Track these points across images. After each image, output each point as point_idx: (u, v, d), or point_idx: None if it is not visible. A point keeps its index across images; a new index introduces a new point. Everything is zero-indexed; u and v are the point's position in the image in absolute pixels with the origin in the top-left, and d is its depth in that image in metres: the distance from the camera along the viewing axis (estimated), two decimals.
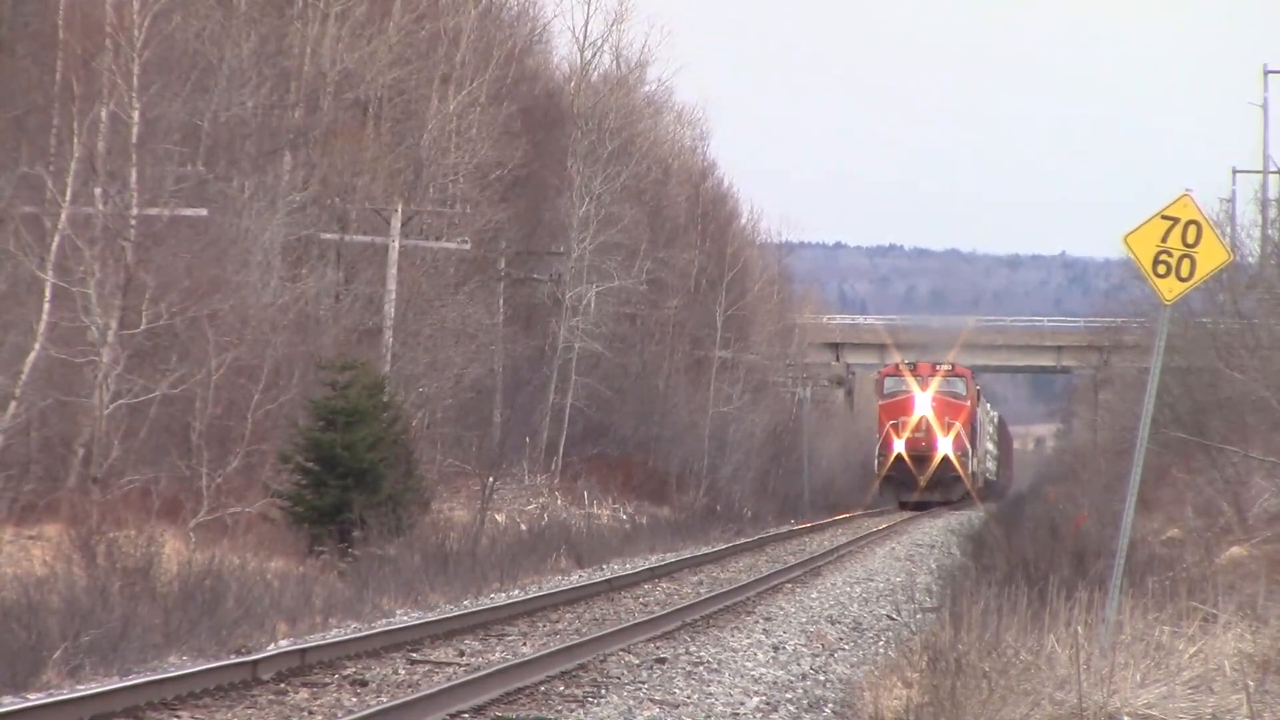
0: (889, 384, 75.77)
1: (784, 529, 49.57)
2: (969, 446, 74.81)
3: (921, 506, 71.25)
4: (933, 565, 34.96)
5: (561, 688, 16.92)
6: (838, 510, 67.46)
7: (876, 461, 75.73)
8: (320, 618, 22.57)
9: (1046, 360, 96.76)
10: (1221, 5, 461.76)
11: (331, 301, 42.40)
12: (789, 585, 29.84)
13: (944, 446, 73.36)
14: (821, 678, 18.39)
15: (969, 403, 75.53)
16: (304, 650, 18.18)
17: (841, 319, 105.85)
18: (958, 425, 73.84)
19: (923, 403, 73.76)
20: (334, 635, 20.78)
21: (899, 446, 73.30)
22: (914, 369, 75.12)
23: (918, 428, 73.50)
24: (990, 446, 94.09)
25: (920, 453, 73.35)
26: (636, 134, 61.74)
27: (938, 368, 75.11)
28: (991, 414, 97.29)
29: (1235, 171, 56.63)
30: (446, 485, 41.30)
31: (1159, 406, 22.06)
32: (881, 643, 21.59)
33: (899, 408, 74.21)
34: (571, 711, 15.62)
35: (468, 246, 45.80)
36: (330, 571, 27.75)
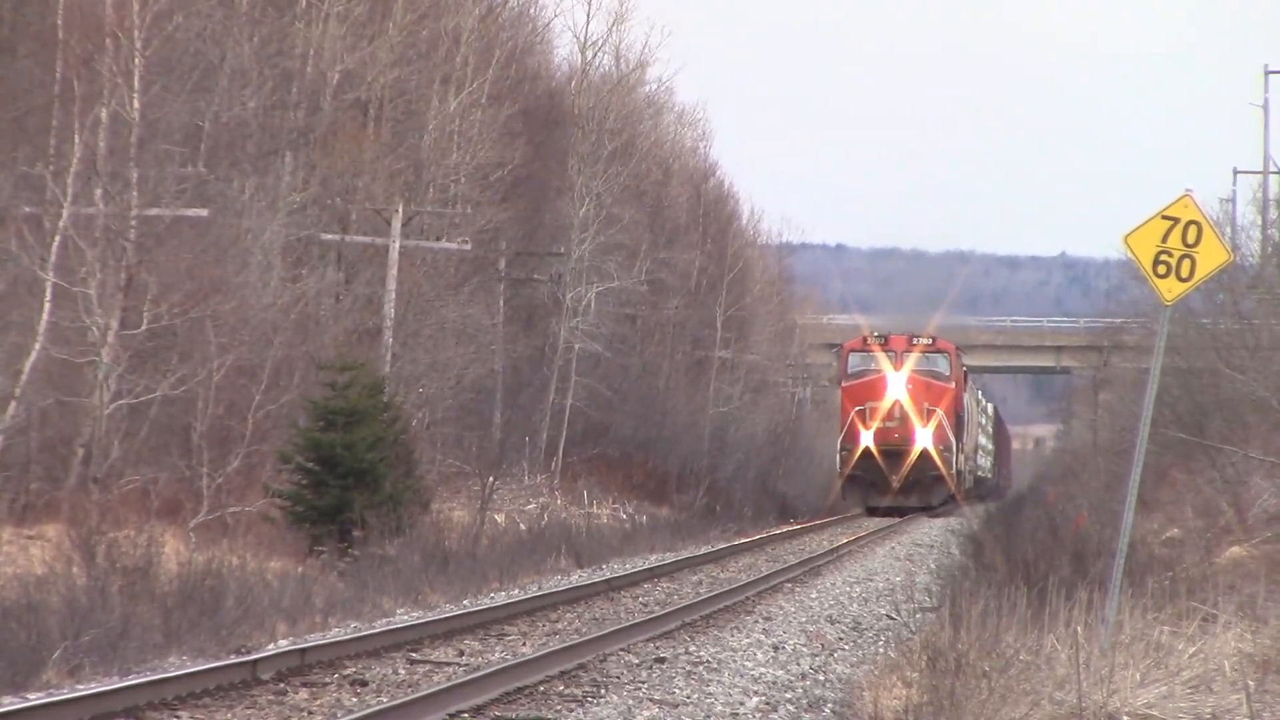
0: (854, 361, 61.83)
1: (783, 529, 49.54)
2: (953, 439, 61.74)
3: (895, 512, 58.66)
4: (932, 565, 34.96)
5: (561, 687, 16.92)
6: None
7: (839, 457, 61.52)
8: (320, 617, 22.58)
9: (1046, 361, 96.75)
10: (1222, 5, 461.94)
11: (332, 302, 42.42)
12: (789, 585, 29.84)
13: (922, 438, 60.20)
14: (821, 677, 18.40)
15: (953, 385, 62.12)
16: (304, 650, 18.19)
17: (842, 319, 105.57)
18: (939, 412, 60.67)
19: (896, 384, 60.22)
20: (334, 635, 20.79)
21: (866, 439, 59.90)
22: (885, 343, 61.04)
23: (890, 415, 60.14)
24: (983, 440, 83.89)
25: (893, 446, 60.03)
26: (637, 134, 61.90)
27: (915, 341, 61.08)
28: (984, 403, 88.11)
29: (1236, 172, 56.87)
30: (446, 485, 41.32)
31: (1159, 407, 22.09)
32: (881, 642, 21.60)
33: (866, 390, 60.59)
34: (571, 711, 15.63)
35: (468, 247, 45.85)
36: (330, 571, 27.76)
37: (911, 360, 60.72)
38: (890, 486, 60.37)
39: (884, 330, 62.30)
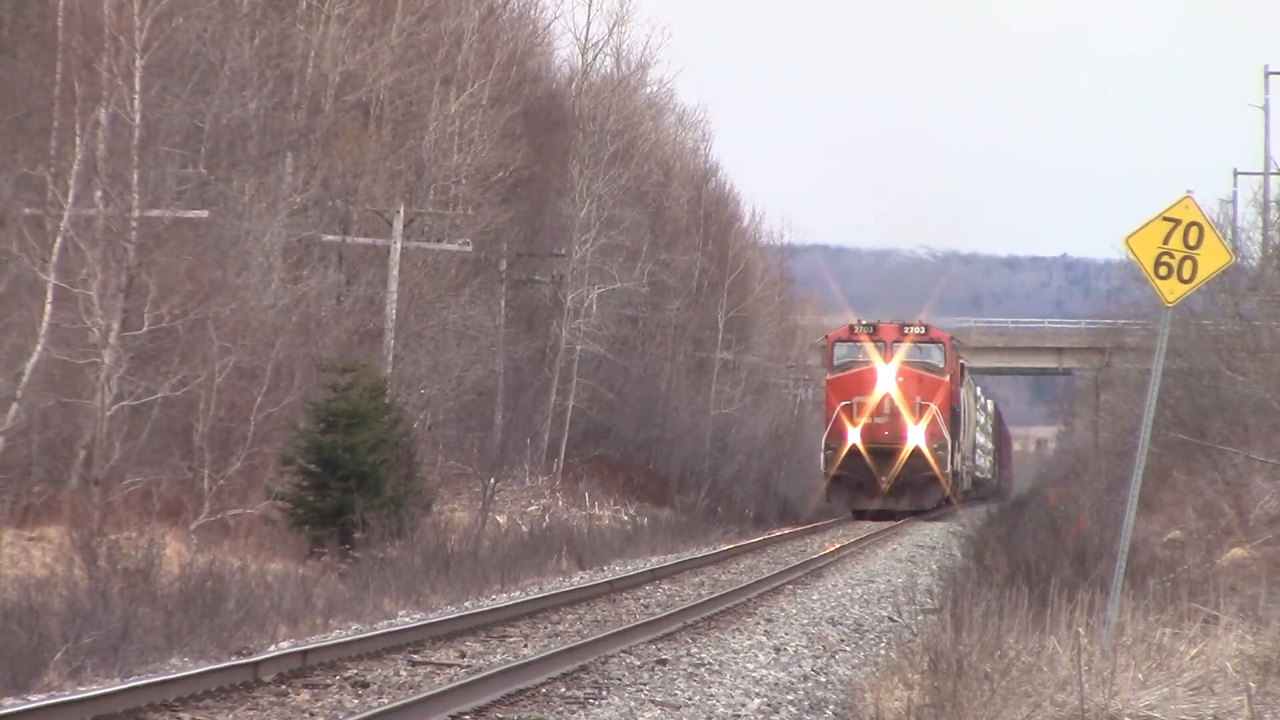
0: (840, 352, 56.74)
1: (785, 531, 49.50)
2: (948, 436, 56.48)
3: (885, 516, 54.23)
4: (934, 567, 34.93)
5: (563, 689, 16.92)
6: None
7: (823, 456, 56.50)
8: (321, 619, 22.58)
9: (1047, 362, 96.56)
10: (1221, 6, 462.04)
11: (333, 303, 42.44)
12: (790, 587, 29.82)
13: (915, 436, 55.21)
14: (823, 679, 18.38)
15: (948, 378, 56.89)
16: (305, 651, 18.19)
17: (841, 321, 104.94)
18: (933, 407, 55.54)
19: (886, 377, 55.21)
20: (335, 636, 20.78)
21: (854, 436, 54.97)
22: (874, 332, 55.89)
23: (879, 411, 55.12)
24: (981, 440, 79.72)
25: (883, 444, 55.02)
26: (638, 136, 61.92)
27: (906, 330, 56.12)
28: (983, 400, 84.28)
29: (1236, 173, 56.90)
30: (448, 487, 41.32)
31: (1160, 408, 22.09)
32: (883, 644, 21.58)
33: (854, 384, 55.64)
34: (573, 713, 15.63)
35: (469, 248, 45.89)
36: (331, 573, 27.77)
37: (902, 351, 55.77)
38: (879, 488, 55.46)
39: (873, 319, 57.47)
